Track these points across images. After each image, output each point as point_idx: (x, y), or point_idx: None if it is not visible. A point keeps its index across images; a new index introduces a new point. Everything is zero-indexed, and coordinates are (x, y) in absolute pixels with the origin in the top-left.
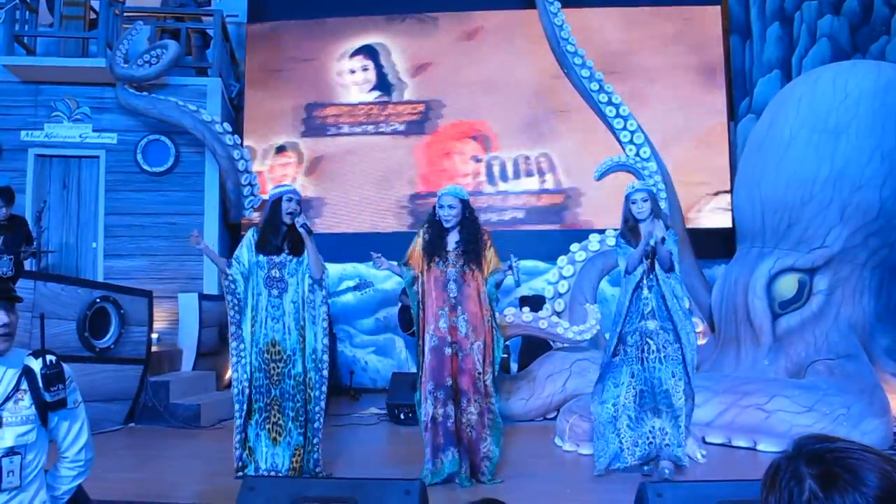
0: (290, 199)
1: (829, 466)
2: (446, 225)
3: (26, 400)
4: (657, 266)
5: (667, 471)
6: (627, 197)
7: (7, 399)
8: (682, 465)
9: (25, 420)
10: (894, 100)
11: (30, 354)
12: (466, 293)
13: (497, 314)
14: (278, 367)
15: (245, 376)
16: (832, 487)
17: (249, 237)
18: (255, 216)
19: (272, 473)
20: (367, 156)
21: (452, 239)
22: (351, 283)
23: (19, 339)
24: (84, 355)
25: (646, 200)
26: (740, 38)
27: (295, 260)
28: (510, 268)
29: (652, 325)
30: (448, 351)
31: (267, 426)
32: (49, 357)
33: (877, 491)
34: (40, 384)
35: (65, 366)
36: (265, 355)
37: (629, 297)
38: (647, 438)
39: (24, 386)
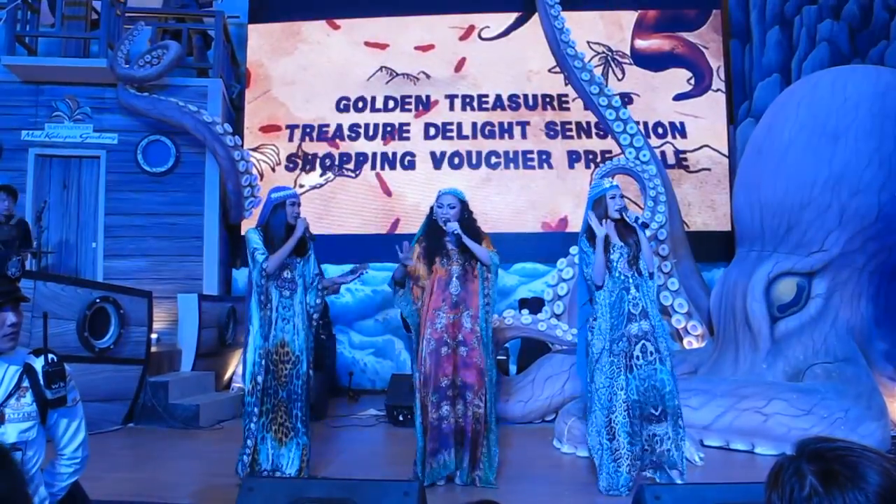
0: (293, 204)
1: (829, 464)
2: (443, 225)
3: (28, 397)
4: (641, 262)
5: (679, 481)
6: (605, 194)
7: (9, 396)
8: (684, 471)
9: (27, 417)
10: (893, 104)
11: (30, 353)
12: (470, 289)
13: (494, 313)
14: (286, 368)
15: (249, 377)
16: (832, 483)
17: (256, 239)
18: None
19: (276, 474)
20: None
21: (450, 239)
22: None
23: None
24: (83, 355)
25: (622, 201)
26: (740, 42)
27: (301, 260)
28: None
29: (645, 325)
30: (445, 350)
31: (273, 427)
32: (51, 355)
33: (877, 488)
34: (41, 381)
35: (64, 364)
36: (274, 356)
37: (611, 301)
38: (646, 447)
39: (26, 383)
